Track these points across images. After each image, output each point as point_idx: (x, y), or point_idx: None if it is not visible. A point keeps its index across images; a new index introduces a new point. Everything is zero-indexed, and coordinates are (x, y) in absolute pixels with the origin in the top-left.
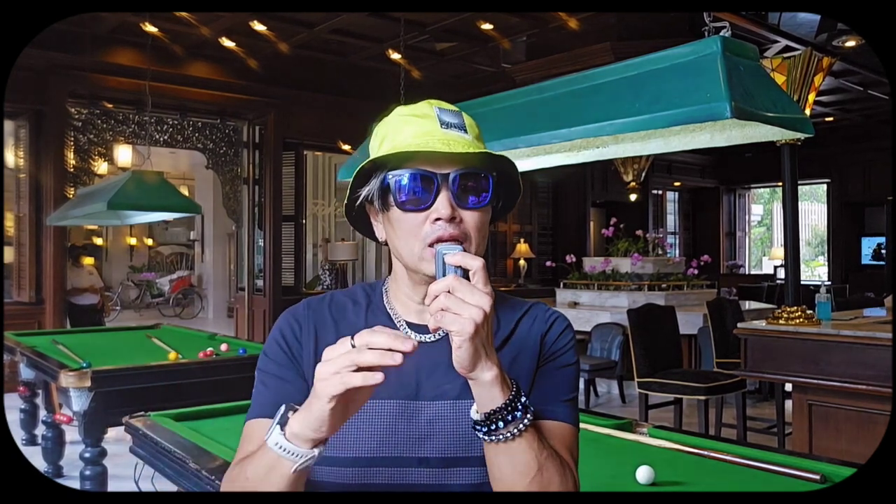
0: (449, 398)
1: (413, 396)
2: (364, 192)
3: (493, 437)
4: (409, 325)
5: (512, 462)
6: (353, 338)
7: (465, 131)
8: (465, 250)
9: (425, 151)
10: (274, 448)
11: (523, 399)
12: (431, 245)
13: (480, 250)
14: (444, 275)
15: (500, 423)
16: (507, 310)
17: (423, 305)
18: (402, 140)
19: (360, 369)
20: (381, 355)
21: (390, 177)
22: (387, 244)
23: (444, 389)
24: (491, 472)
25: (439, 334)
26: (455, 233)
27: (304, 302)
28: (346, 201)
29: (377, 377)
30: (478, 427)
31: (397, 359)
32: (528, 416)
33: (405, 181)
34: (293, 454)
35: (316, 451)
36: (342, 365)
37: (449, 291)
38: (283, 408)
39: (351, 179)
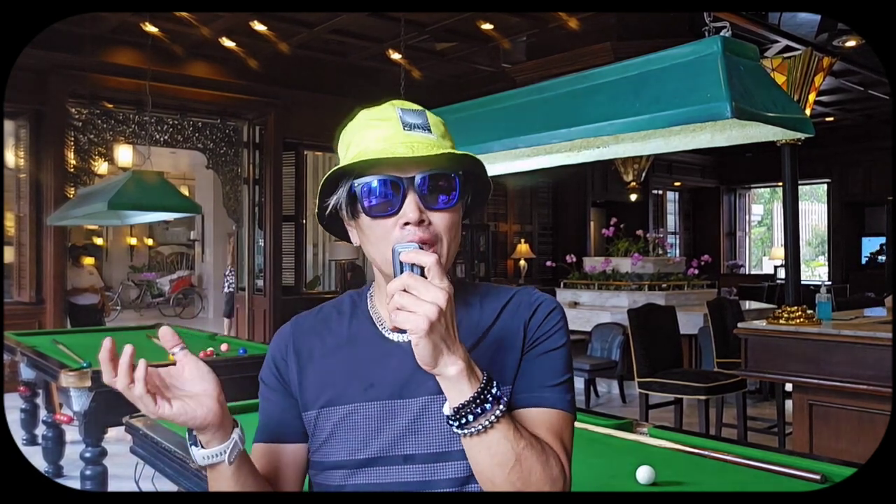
0: (431, 394)
1: (397, 396)
2: (332, 200)
3: (466, 431)
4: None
5: (489, 454)
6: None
7: (430, 131)
8: (435, 251)
9: (389, 157)
10: (209, 461)
11: (494, 390)
12: None
13: (453, 249)
14: (401, 273)
15: (471, 417)
16: (492, 299)
17: None
18: (367, 146)
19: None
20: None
21: (356, 184)
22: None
23: (428, 385)
24: (471, 465)
25: None
26: (425, 236)
27: (292, 319)
28: (316, 210)
29: (118, 384)
30: (450, 422)
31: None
32: (500, 406)
33: (371, 188)
34: (223, 450)
35: (235, 434)
36: (134, 400)
37: (405, 290)
38: (185, 435)
39: (319, 188)
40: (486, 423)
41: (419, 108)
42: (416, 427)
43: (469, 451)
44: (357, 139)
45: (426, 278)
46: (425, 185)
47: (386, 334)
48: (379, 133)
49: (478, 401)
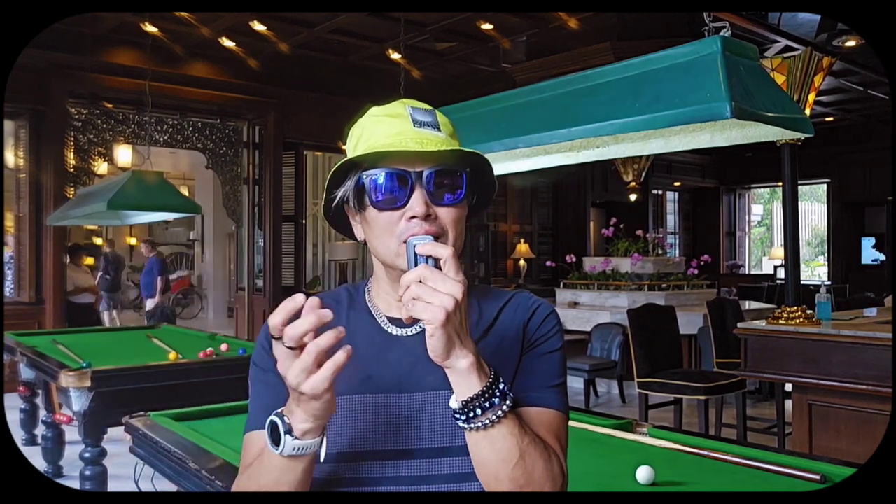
0: (431, 389)
1: (395, 389)
2: (340, 192)
3: (473, 425)
4: (391, 320)
5: (493, 449)
6: (276, 342)
7: (439, 129)
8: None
9: (399, 151)
10: (294, 453)
11: (501, 386)
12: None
13: (458, 245)
14: (415, 265)
15: (478, 411)
16: (490, 299)
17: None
18: (376, 140)
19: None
20: (329, 336)
21: (365, 176)
22: (366, 243)
23: (427, 381)
24: (474, 461)
25: (419, 327)
26: (430, 229)
27: None
28: (322, 202)
29: (347, 350)
30: (457, 415)
31: (342, 330)
32: (507, 402)
33: (380, 180)
34: (309, 448)
35: (323, 436)
36: (306, 364)
37: (420, 281)
38: (276, 420)
39: (327, 181)
40: (494, 417)
41: (429, 107)
42: (415, 422)
43: (474, 446)
44: (367, 133)
45: (440, 271)
46: (433, 180)
47: (385, 327)
48: (389, 128)
49: (486, 395)
